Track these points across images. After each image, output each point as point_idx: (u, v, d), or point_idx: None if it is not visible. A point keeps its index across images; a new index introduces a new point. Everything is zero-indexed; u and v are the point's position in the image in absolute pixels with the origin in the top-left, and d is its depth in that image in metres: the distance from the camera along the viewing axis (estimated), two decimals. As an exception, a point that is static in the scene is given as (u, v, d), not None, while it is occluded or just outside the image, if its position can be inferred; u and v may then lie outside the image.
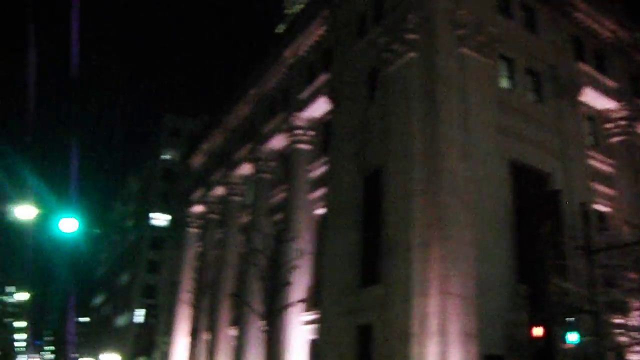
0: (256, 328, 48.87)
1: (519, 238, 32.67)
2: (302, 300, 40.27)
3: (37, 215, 26.05)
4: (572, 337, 22.87)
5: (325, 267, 39.09)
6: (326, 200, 41.92)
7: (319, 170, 45.13)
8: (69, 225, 24.48)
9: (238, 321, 51.26)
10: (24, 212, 25.69)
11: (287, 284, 38.36)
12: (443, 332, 28.40)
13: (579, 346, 24.76)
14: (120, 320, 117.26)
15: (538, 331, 24.18)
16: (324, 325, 37.67)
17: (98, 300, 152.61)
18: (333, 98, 43.13)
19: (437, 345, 28.31)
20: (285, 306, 39.59)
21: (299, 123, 47.92)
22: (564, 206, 32.87)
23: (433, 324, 28.72)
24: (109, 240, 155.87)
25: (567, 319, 23.12)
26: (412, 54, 35.41)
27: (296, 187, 46.62)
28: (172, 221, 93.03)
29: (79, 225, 24.72)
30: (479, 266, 30.01)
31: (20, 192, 27.09)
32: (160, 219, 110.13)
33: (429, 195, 31.14)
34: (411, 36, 35.70)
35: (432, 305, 28.99)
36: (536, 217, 31.52)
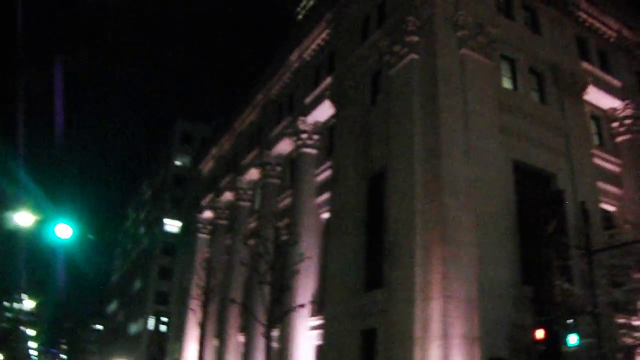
0: (263, 334, 49.09)
1: (523, 239, 32.28)
2: (302, 305, 40.06)
3: (38, 221, 26.06)
4: (572, 339, 22.61)
5: (330, 271, 38.96)
6: (330, 204, 41.75)
7: (324, 175, 45.09)
8: (64, 231, 24.47)
9: (245, 327, 51.26)
10: (24, 218, 25.70)
11: (287, 289, 38.12)
12: (445, 336, 28.13)
13: (581, 348, 24.53)
14: (133, 328, 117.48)
15: (540, 334, 23.94)
16: (328, 330, 37.54)
17: (112, 307, 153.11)
18: (336, 101, 43.07)
19: (439, 349, 28.06)
20: (287, 311, 39.37)
21: (304, 127, 47.90)
22: (569, 206, 32.65)
23: (435, 327, 28.48)
24: (123, 247, 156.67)
25: (567, 320, 22.81)
26: (413, 56, 35.30)
27: (301, 192, 46.57)
28: (183, 227, 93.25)
29: (75, 231, 24.68)
30: (482, 268, 29.74)
31: (21, 199, 27.05)
32: (172, 225, 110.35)
33: (431, 197, 30.95)
34: (412, 38, 35.63)
35: (435, 308, 28.76)
36: (540, 217, 31.22)
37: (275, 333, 46.26)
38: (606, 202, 40.54)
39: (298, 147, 48.19)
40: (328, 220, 42.59)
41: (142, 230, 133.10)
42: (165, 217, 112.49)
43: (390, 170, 34.64)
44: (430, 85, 33.60)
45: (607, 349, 22.93)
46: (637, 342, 26.72)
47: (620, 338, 27.23)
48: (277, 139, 53.45)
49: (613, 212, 40.30)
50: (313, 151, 47.74)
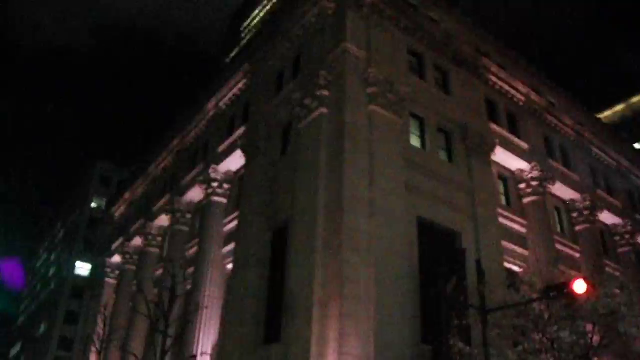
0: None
1: (425, 298, 32.09)
2: (194, 357, 38.98)
3: None
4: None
5: (229, 323, 38.01)
6: (234, 254, 40.99)
7: (231, 225, 44.34)
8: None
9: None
10: None
11: (181, 339, 36.96)
12: (339, 394, 27.57)
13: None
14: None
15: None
16: (225, 384, 36.48)
17: (15, 350, 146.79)
18: (248, 152, 42.67)
19: (333, 408, 27.46)
20: None
21: (215, 176, 47.23)
22: (472, 266, 32.76)
23: (330, 386, 27.89)
24: (32, 288, 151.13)
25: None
26: (322, 110, 35.34)
27: (208, 241, 45.65)
28: (92, 271, 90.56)
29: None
30: (380, 326, 29.36)
31: None
32: (83, 269, 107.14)
33: (331, 251, 30.56)
34: (323, 92, 35.70)
35: (330, 367, 28.17)
36: (441, 276, 31.14)
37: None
38: (512, 263, 41.05)
39: (208, 195, 47.39)
40: (232, 271, 41.64)
41: (52, 271, 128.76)
42: (76, 260, 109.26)
43: (293, 223, 34.23)
44: (337, 140, 33.56)
45: None
46: None
47: None
48: (188, 186, 52.57)
49: (519, 272, 40.65)
50: (223, 200, 47.03)
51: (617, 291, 26.45)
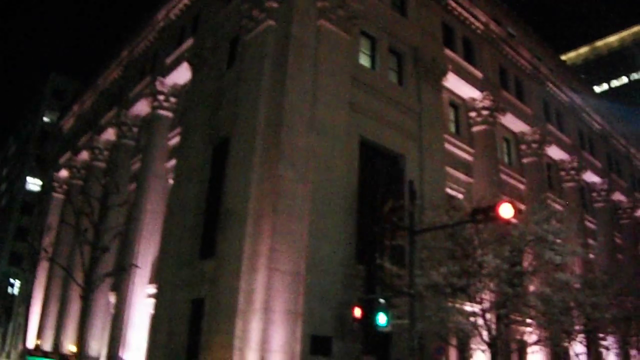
0: (105, 300, 47.16)
1: (362, 218, 31.70)
2: (122, 269, 38.74)
3: None
4: (381, 319, 22.04)
5: (167, 237, 37.47)
6: (175, 168, 40.14)
7: (176, 139, 43.24)
8: None
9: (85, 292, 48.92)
10: None
11: (106, 249, 36.28)
12: (267, 309, 27.17)
13: (402, 329, 24.15)
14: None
15: (357, 312, 23.29)
16: (160, 299, 36.09)
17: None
18: (194, 64, 41.25)
19: (260, 322, 27.13)
20: (106, 275, 38.22)
21: (161, 88, 45.86)
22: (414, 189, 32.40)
23: (258, 300, 27.50)
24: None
25: (379, 300, 22.24)
26: (269, 22, 33.97)
27: (152, 155, 44.65)
28: (42, 186, 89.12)
29: None
30: (314, 243, 28.96)
31: None
32: (35, 184, 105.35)
33: (268, 166, 29.83)
34: (271, 4, 34.27)
35: (259, 281, 27.75)
36: (379, 196, 30.73)
37: (113, 299, 44.75)
38: (456, 190, 40.91)
39: (154, 108, 46.07)
40: (172, 185, 40.81)
41: (3, 187, 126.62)
42: (28, 175, 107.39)
43: (233, 137, 33.34)
44: (281, 54, 32.40)
45: (418, 330, 22.41)
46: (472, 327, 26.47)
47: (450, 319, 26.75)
48: (135, 99, 51.11)
49: (460, 199, 40.45)
50: (168, 114, 45.81)
51: (551, 221, 26.23)
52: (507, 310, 26.44)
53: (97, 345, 46.36)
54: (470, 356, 32.25)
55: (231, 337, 27.59)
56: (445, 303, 24.79)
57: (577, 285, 31.56)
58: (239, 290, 28.11)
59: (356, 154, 33.38)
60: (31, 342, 62.30)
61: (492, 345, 25.66)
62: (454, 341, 32.11)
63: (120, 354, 40.46)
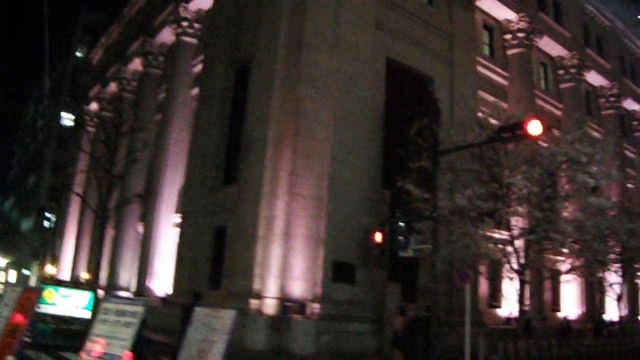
0: (134, 230, 46.90)
1: (389, 141, 30.49)
2: (139, 195, 38.08)
3: None
4: (399, 244, 20.96)
5: (191, 165, 36.69)
6: (199, 95, 39.10)
7: (200, 67, 42.00)
8: None
9: (117, 222, 48.74)
10: None
11: (121, 177, 35.53)
12: (287, 235, 26.42)
13: (426, 256, 23.11)
14: (26, 224, 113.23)
15: (378, 237, 22.34)
16: (184, 227, 35.55)
17: (8, 204, 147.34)
18: (216, -13, 39.73)
19: (280, 248, 26.38)
20: (124, 201, 38.00)
21: (185, 14, 44.39)
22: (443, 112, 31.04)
23: (279, 226, 26.70)
24: (22, 141, 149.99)
25: (399, 223, 21.10)
26: (291, -58, 32.20)
27: (177, 83, 43.58)
28: (74, 120, 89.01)
29: None
30: (336, 167, 27.94)
31: None
32: (69, 119, 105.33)
33: (289, 88, 28.56)
34: None
35: (279, 206, 26.89)
36: (406, 118, 29.43)
37: (141, 230, 44.39)
38: (489, 115, 39.17)
39: (178, 35, 44.80)
40: (195, 113, 39.80)
41: (39, 123, 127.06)
42: (62, 110, 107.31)
43: (255, 60, 31.99)
44: (302, -28, 30.73)
45: (442, 256, 21.26)
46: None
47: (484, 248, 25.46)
48: (160, 26, 49.70)
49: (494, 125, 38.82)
50: (193, 40, 44.47)
51: (584, 142, 24.48)
52: (537, 237, 25.11)
53: (127, 275, 46.25)
54: (500, 285, 31.27)
55: (252, 264, 26.90)
56: (470, 228, 23.40)
57: (613, 213, 30.12)
58: (259, 216, 27.29)
59: (382, 75, 31.97)
60: (50, 270, 62.87)
61: (520, 273, 24.43)
62: (482, 269, 31.11)
63: (147, 283, 40.33)
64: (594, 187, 26.87)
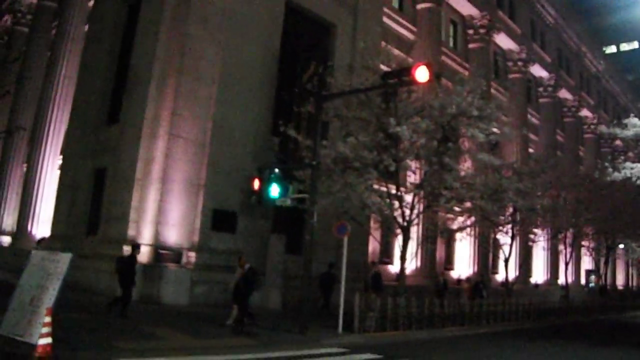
0: (20, 171, 44.33)
1: (283, 87, 29.06)
2: (7, 132, 35.62)
3: None
4: (274, 191, 19.76)
5: (75, 104, 34.48)
6: (88, 30, 36.69)
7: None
8: None
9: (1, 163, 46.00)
10: None
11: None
12: (165, 179, 24.87)
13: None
14: None
15: (255, 184, 20.96)
16: (65, 168, 33.50)
17: None
18: None
19: (157, 192, 24.82)
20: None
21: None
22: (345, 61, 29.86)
23: (156, 169, 25.08)
24: None
25: (274, 170, 19.82)
26: None
27: (69, 17, 40.75)
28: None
29: None
30: (223, 110, 26.45)
31: None
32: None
33: (177, 24, 26.65)
34: None
35: (159, 148, 25.23)
36: (302, 65, 28.05)
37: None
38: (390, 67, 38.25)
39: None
40: (83, 49, 37.32)
41: None
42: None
43: (146, -6, 29.94)
44: None
45: (316, 207, 19.89)
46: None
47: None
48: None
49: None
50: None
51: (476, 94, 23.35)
52: (425, 193, 24.25)
53: (11, 219, 43.79)
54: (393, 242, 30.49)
55: (128, 209, 25.31)
56: (353, 179, 22.18)
57: (509, 174, 29.56)
58: (138, 158, 25.58)
59: (280, 17, 30.25)
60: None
61: (404, 229, 23.46)
62: (374, 224, 30.36)
63: (29, 227, 38.21)
64: (493, 145, 26.15)
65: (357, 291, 21.51)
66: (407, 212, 23.66)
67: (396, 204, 23.64)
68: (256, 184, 20.98)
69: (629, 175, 26.76)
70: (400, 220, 23.68)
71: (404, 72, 18.30)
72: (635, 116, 72.96)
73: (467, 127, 23.26)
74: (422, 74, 17.47)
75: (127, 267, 19.05)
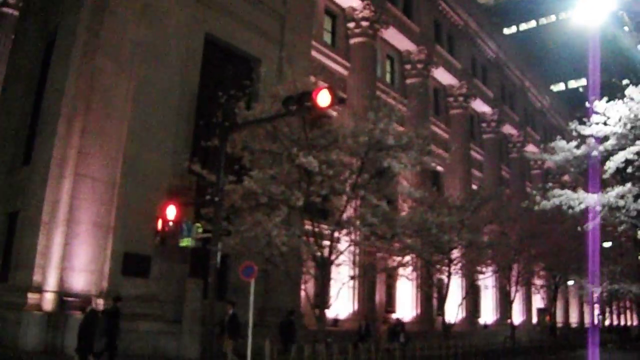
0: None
1: (203, 123, 27.90)
2: None
3: None
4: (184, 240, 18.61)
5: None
6: (7, 67, 35.35)
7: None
8: None
9: None
10: None
11: None
12: (71, 221, 23.44)
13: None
14: None
15: (160, 224, 19.77)
16: (-21, 213, 31.79)
17: None
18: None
19: (63, 235, 23.42)
20: None
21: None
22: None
23: (62, 211, 23.73)
24: None
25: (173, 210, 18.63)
26: None
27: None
28: None
29: None
30: (136, 148, 25.18)
31: None
32: None
33: (87, 59, 25.51)
34: None
35: (65, 189, 23.91)
36: (223, 101, 26.96)
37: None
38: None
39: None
40: (2, 89, 35.84)
41: None
42: None
43: (60, 29, 28.85)
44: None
45: (218, 247, 18.61)
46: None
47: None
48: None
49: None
50: (15, 12, 40.33)
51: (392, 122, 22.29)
52: (343, 230, 23.16)
53: None
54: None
55: (33, 253, 23.94)
56: (260, 217, 20.95)
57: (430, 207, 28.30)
58: (45, 200, 24.28)
59: (199, 51, 29.36)
60: None
61: (322, 269, 22.26)
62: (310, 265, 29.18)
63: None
64: (433, 182, 24.94)
65: (266, 339, 20.30)
66: (326, 251, 22.55)
67: (312, 242, 22.50)
68: (159, 224, 19.81)
69: (557, 203, 25.54)
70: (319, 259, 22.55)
71: (305, 98, 17.06)
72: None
73: (381, 156, 22.32)
74: (323, 99, 16.30)
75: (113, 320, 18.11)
